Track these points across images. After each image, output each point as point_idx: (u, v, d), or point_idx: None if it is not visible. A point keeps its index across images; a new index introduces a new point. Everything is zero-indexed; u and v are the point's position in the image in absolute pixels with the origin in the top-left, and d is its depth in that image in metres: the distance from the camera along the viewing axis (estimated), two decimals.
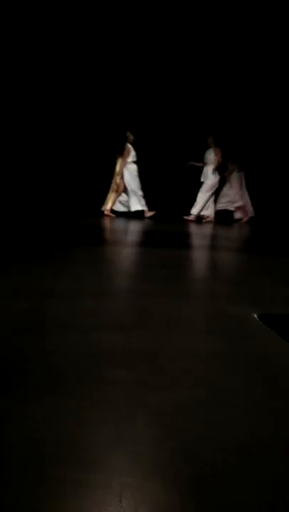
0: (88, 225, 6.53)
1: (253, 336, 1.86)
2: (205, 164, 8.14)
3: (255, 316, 2.10)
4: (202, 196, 8.08)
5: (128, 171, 7.97)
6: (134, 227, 6.65)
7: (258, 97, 8.82)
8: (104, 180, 8.45)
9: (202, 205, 8.12)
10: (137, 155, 8.06)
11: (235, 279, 3.07)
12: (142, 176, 8.11)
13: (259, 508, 0.86)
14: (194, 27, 8.45)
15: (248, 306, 2.27)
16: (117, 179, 7.99)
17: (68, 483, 0.89)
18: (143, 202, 8.01)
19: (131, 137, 7.93)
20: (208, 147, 8.14)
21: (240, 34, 8.42)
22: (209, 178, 8.06)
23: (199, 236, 6.16)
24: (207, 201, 8.13)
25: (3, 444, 1.01)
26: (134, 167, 7.98)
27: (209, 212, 8.16)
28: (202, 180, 8.15)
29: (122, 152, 7.90)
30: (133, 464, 0.97)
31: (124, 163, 7.92)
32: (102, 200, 8.40)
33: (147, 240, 5.41)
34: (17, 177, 8.57)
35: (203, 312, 2.18)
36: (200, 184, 8.18)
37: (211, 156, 8.06)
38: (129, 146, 7.92)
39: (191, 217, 8.13)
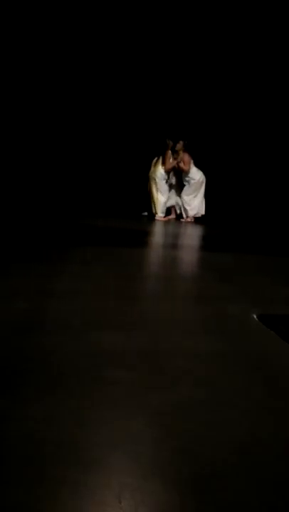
0: (88, 225, 6.53)
1: (253, 336, 1.86)
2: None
3: (255, 316, 2.10)
4: (193, 197, 8.15)
5: (163, 177, 8.13)
6: (135, 228, 6.65)
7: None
8: (104, 180, 8.46)
9: (198, 204, 8.17)
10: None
11: (235, 279, 3.07)
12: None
13: (259, 508, 0.86)
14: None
15: (248, 307, 2.27)
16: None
17: (68, 483, 0.89)
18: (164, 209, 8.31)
19: (171, 143, 8.08)
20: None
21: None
22: (193, 177, 8.12)
23: (196, 236, 6.17)
24: (201, 199, 8.19)
25: (4, 444, 1.01)
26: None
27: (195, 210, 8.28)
28: (186, 181, 8.19)
29: (163, 158, 8.04)
30: (133, 464, 0.97)
31: (169, 168, 8.07)
32: (102, 200, 8.42)
33: (147, 240, 5.41)
34: (17, 177, 8.57)
35: (202, 312, 2.18)
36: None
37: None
38: (170, 152, 8.08)
39: (189, 219, 8.17)
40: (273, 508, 0.86)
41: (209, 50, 8.66)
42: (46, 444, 1.02)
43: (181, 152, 8.06)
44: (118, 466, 0.95)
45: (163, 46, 8.70)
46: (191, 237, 6.12)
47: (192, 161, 8.07)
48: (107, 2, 8.14)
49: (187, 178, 8.14)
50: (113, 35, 8.60)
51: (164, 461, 0.98)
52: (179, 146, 8.07)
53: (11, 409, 1.16)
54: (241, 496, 0.89)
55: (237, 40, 8.39)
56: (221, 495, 0.89)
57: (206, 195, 8.30)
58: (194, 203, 8.14)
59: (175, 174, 8.25)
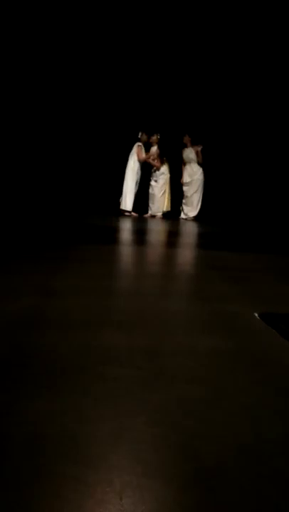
0: (90, 223, 6.53)
1: (254, 334, 1.85)
2: (185, 164, 8.19)
3: (256, 314, 2.10)
4: (196, 196, 8.17)
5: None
6: (137, 227, 6.65)
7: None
8: (105, 179, 8.47)
9: (199, 204, 8.21)
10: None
11: (237, 277, 3.07)
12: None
13: (260, 506, 0.86)
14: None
15: (250, 305, 2.27)
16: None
17: (68, 480, 0.89)
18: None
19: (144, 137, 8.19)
20: (184, 146, 8.17)
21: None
22: (198, 177, 8.11)
23: (198, 235, 6.16)
24: (200, 199, 8.24)
25: (3, 440, 1.01)
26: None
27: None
28: (188, 180, 8.17)
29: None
30: (134, 461, 0.96)
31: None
32: (103, 200, 8.42)
33: (149, 239, 5.40)
34: (19, 176, 8.58)
35: (204, 310, 2.18)
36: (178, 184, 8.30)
37: (192, 155, 8.10)
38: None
39: (190, 218, 8.19)
40: (274, 506, 0.86)
41: (209, 51, 8.67)
42: (46, 441, 1.01)
43: (189, 144, 8.09)
44: (119, 464, 0.95)
45: (162, 47, 8.70)
46: (193, 235, 6.12)
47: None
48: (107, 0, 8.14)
49: (190, 175, 8.13)
50: (112, 35, 8.59)
51: (165, 459, 0.98)
52: (186, 139, 8.11)
53: (11, 406, 1.16)
54: (242, 494, 0.88)
55: (237, 41, 8.39)
56: (222, 492, 0.88)
57: (207, 194, 8.34)
58: (195, 204, 8.18)
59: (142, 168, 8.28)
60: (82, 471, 0.92)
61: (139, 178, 8.12)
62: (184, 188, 8.23)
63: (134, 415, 1.15)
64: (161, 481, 0.90)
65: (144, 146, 8.16)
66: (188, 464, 0.96)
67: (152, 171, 8.27)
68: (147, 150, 8.20)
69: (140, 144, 8.03)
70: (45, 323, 1.85)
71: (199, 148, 8.06)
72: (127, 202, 8.07)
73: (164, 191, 8.30)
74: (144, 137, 8.08)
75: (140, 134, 8.06)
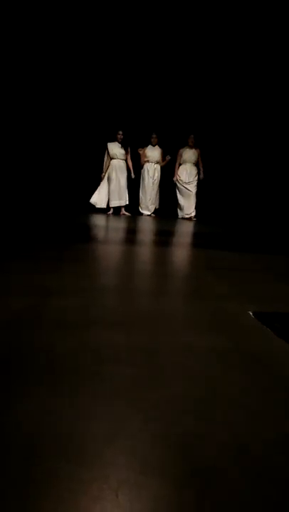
0: (86, 223, 6.52)
1: (254, 334, 1.84)
2: (184, 163, 8.22)
3: (251, 313, 2.09)
4: (194, 196, 8.23)
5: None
6: (134, 226, 6.64)
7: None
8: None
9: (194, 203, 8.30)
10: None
11: (236, 277, 3.06)
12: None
13: (259, 505, 0.84)
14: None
15: (245, 304, 2.26)
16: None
17: (65, 476, 0.88)
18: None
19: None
20: (182, 146, 8.21)
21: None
22: (195, 177, 8.16)
23: (197, 235, 6.15)
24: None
25: (1, 439, 1.00)
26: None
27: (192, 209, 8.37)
28: (187, 180, 8.20)
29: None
30: (131, 459, 0.95)
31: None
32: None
33: (146, 239, 5.39)
34: (16, 176, 8.57)
35: (200, 309, 2.17)
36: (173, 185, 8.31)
37: (195, 157, 8.14)
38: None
39: (186, 217, 8.24)
40: (273, 505, 0.85)
41: (210, 54, 8.69)
42: (44, 439, 1.00)
43: (192, 145, 8.14)
44: (116, 461, 0.94)
45: (163, 48, 8.72)
46: (192, 235, 6.11)
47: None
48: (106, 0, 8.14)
49: (189, 175, 8.19)
50: (110, 36, 8.60)
51: (162, 457, 0.96)
52: (191, 140, 8.14)
53: (9, 405, 1.15)
54: (241, 493, 0.87)
55: (238, 45, 8.40)
56: (219, 491, 0.87)
57: (208, 195, 8.40)
58: (193, 203, 8.23)
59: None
60: (79, 468, 0.90)
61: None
62: (185, 187, 8.25)
63: (133, 413, 1.13)
64: (159, 479, 0.89)
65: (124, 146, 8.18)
66: (186, 462, 0.95)
67: (148, 170, 8.26)
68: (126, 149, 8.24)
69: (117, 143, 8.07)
70: (43, 322, 1.83)
71: (199, 152, 8.14)
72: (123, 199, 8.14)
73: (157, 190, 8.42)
74: (120, 136, 8.09)
75: (120, 132, 8.05)
